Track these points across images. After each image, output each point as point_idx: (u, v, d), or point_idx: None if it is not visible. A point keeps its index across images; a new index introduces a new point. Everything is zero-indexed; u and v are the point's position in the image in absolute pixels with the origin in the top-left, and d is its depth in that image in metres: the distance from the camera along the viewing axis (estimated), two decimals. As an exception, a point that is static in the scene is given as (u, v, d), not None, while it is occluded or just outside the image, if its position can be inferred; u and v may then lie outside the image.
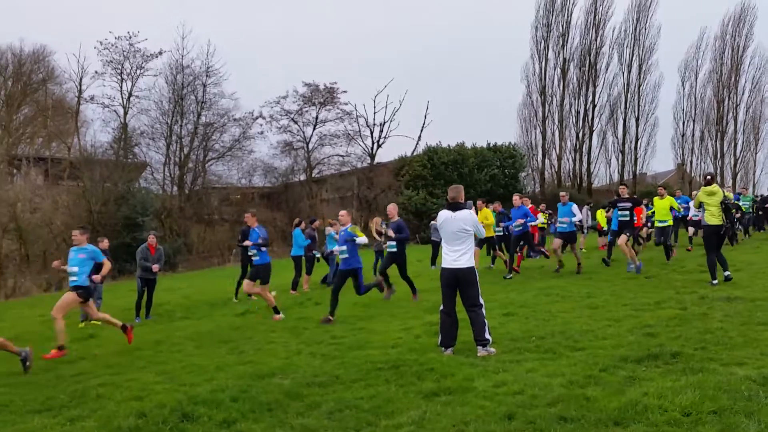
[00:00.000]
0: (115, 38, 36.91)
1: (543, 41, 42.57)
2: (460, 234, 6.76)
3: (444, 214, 6.95)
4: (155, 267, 12.55)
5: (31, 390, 6.59)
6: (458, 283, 6.75)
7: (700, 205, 10.54)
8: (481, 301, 6.75)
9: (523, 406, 4.65)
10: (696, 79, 44.14)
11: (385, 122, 40.50)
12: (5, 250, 29.80)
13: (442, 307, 6.83)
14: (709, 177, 10.60)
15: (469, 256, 6.78)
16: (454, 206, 6.93)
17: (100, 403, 5.78)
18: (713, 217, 10.12)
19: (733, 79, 43.68)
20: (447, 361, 6.26)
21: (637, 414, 4.29)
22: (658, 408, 4.34)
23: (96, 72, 37.92)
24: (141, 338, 9.46)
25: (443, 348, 6.76)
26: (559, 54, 42.35)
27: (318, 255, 15.67)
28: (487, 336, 6.60)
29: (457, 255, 6.76)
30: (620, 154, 42.74)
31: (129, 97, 37.86)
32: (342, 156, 41.13)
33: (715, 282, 9.83)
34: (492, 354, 6.45)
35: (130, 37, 37.00)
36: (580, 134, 42.56)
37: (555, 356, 6.18)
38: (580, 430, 4.13)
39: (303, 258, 14.82)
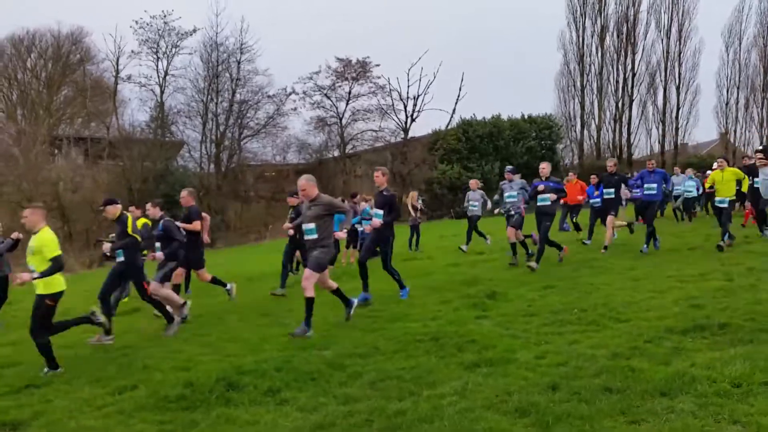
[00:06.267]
0: (151, 17, 37.33)
1: (579, 8, 41.46)
2: None
3: None
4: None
5: (81, 362, 6.79)
6: None
7: None
8: None
9: (567, 377, 4.62)
10: (740, 44, 42.19)
11: (418, 96, 39.99)
12: (49, 228, 30.68)
13: None
14: None
15: None
16: None
17: (148, 373, 5.93)
18: None
19: (780, 42, 41.84)
20: (488, 333, 6.25)
21: (684, 385, 4.22)
22: (707, 379, 4.26)
23: (132, 51, 38.58)
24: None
25: None
26: (596, 21, 41.21)
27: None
28: None
29: None
30: (661, 124, 41.62)
31: (165, 76, 38.38)
32: (375, 131, 40.93)
33: None
34: None
35: (165, 16, 37.37)
36: (620, 104, 41.51)
37: (598, 328, 6.12)
38: (626, 401, 4.07)
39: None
